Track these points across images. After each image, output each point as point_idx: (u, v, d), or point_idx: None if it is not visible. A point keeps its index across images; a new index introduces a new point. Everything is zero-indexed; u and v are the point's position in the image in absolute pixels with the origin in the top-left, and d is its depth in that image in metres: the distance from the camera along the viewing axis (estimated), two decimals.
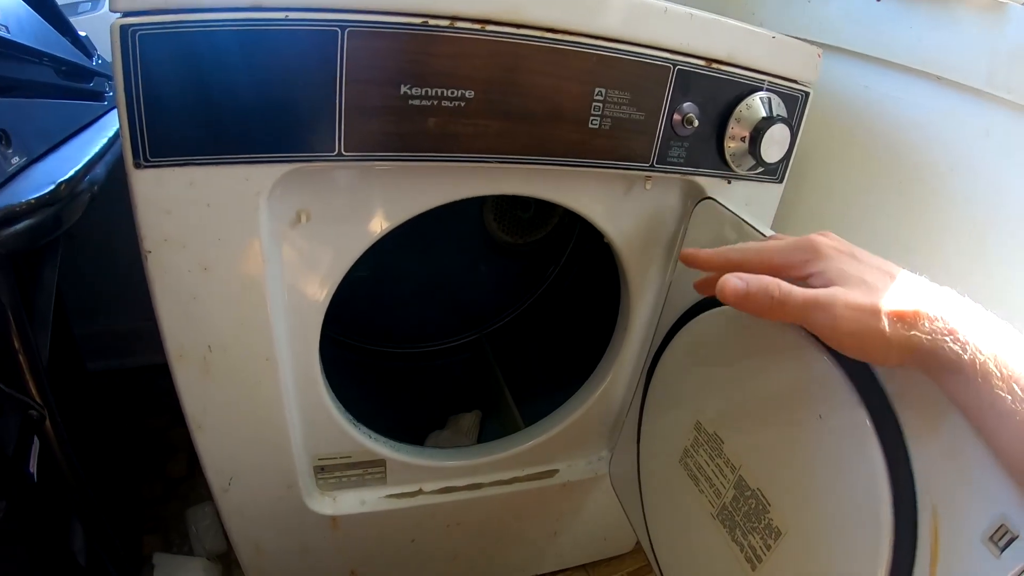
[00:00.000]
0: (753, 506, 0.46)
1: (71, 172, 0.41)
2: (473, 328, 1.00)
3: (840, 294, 0.34)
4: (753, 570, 0.46)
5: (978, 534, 0.31)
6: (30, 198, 0.36)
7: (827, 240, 0.38)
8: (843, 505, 0.39)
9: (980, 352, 0.30)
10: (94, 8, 0.81)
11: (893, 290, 0.33)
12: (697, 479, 0.53)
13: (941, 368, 0.31)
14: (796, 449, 0.42)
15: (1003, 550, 0.29)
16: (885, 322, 0.32)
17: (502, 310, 1.00)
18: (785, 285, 0.35)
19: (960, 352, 0.30)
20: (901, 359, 0.33)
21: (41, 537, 0.53)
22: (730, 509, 0.48)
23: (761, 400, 0.46)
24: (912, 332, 0.31)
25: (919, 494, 0.34)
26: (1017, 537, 0.29)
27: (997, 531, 0.30)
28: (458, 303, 1.00)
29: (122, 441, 0.99)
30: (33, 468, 0.52)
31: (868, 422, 0.37)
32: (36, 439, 0.54)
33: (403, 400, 0.93)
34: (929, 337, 0.31)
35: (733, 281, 0.36)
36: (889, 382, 0.36)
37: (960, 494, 0.32)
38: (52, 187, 0.38)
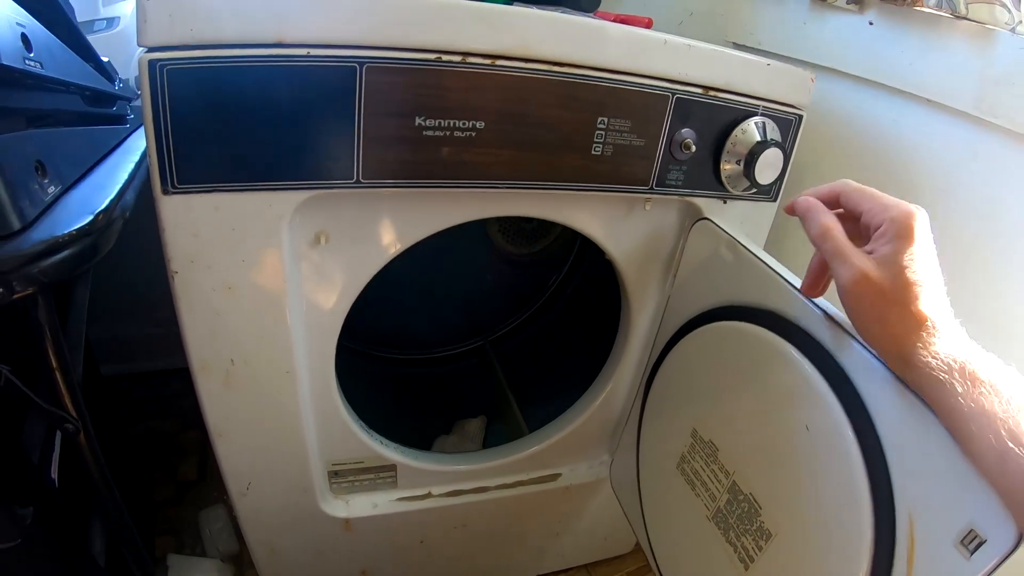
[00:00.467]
0: (746, 509, 0.49)
1: (106, 202, 0.43)
2: (477, 335, 1.02)
3: (870, 267, 0.37)
4: (746, 569, 0.49)
5: (950, 538, 0.34)
6: (72, 229, 0.39)
7: (920, 229, 0.38)
8: (828, 509, 0.42)
9: (969, 363, 0.32)
10: (109, 27, 0.83)
11: (912, 293, 0.36)
12: (694, 483, 0.56)
13: (924, 373, 0.34)
14: (785, 457, 0.45)
15: (973, 553, 0.32)
16: (885, 302, 0.36)
17: (506, 318, 1.03)
18: (834, 231, 0.40)
19: (946, 369, 0.33)
20: (888, 345, 0.36)
21: (64, 540, 0.56)
22: (724, 512, 0.51)
23: (753, 411, 0.49)
24: (906, 322, 0.35)
25: (897, 500, 0.37)
26: (985, 541, 0.32)
27: (967, 535, 0.33)
28: (463, 311, 1.03)
29: (134, 444, 1.02)
30: (54, 475, 0.55)
31: (850, 434, 0.40)
32: (56, 447, 0.56)
33: (410, 406, 0.96)
34: (920, 343, 0.34)
35: (802, 201, 0.43)
36: (870, 398, 0.39)
37: (934, 501, 0.35)
38: (91, 218, 0.40)
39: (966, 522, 0.33)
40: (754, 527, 0.48)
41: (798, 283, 0.47)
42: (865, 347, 0.40)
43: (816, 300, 0.45)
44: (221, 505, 0.95)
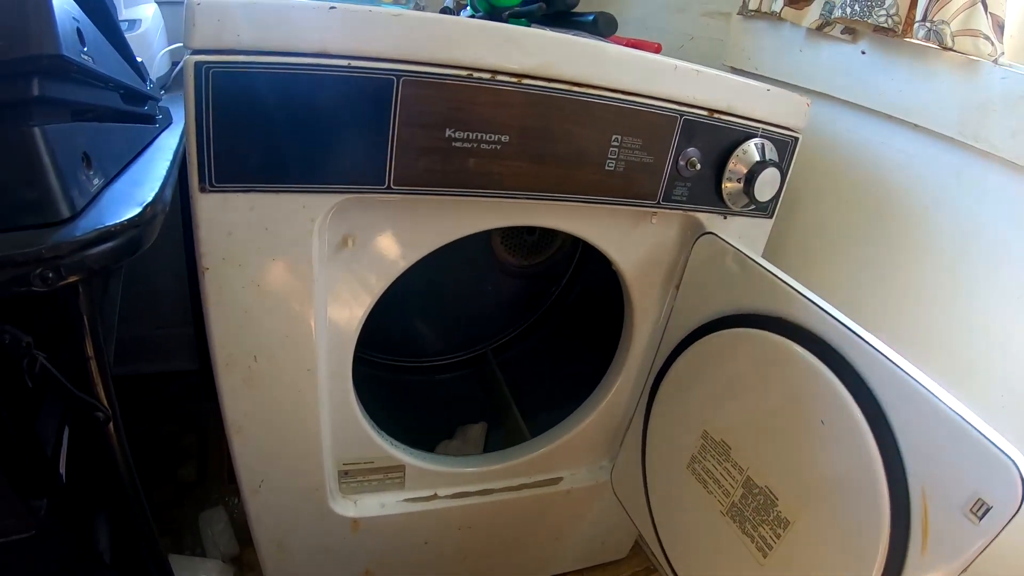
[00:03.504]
0: (762, 501, 0.52)
1: (152, 195, 0.45)
2: (479, 344, 1.05)
3: None
4: (764, 557, 0.52)
5: (960, 509, 0.38)
6: (123, 219, 0.40)
7: None
8: (846, 494, 0.45)
9: None
10: (131, 29, 0.85)
11: None
12: (705, 482, 0.58)
13: None
14: (801, 450, 0.49)
15: (981, 519, 0.37)
16: None
17: (507, 327, 1.05)
18: None
19: None
20: None
21: (73, 535, 0.56)
22: (739, 506, 0.54)
23: (766, 410, 0.53)
24: None
25: (910, 480, 0.41)
26: (992, 508, 0.36)
27: (975, 504, 0.37)
28: (465, 320, 1.05)
29: (134, 446, 1.01)
30: (62, 469, 0.56)
31: (864, 424, 0.44)
32: (65, 441, 0.57)
33: (413, 411, 0.97)
34: None
35: None
36: (880, 390, 0.43)
37: (944, 478, 0.39)
38: (139, 209, 0.42)
39: (972, 492, 0.37)
40: (771, 517, 0.51)
41: (804, 291, 0.50)
42: (872, 344, 0.43)
43: (822, 303, 0.48)
44: (221, 507, 0.95)
